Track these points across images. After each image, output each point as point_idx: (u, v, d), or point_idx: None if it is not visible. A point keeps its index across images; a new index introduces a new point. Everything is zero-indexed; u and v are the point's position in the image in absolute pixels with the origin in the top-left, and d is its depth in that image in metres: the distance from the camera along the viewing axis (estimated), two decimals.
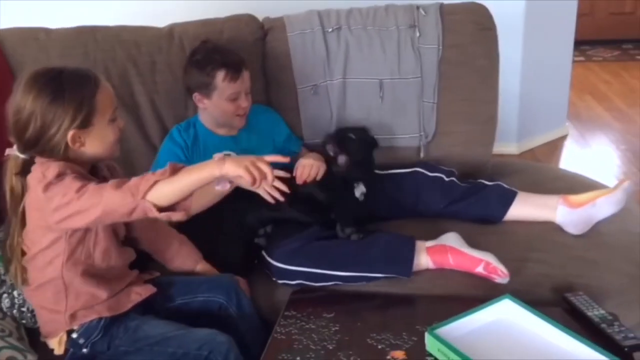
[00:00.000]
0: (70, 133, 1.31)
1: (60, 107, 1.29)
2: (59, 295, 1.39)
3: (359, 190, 1.91)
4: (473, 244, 1.67)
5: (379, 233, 1.69)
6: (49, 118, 1.29)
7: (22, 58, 1.90)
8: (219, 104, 1.86)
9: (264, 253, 1.70)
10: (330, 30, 2.12)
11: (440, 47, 2.09)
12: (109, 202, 1.25)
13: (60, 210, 1.27)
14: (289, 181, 1.62)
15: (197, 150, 1.90)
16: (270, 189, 1.61)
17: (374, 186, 1.93)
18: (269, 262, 1.66)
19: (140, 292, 1.47)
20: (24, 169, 1.35)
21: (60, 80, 1.32)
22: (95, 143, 1.35)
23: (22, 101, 1.30)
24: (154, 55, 2.02)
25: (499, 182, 1.90)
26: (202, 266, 1.66)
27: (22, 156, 1.35)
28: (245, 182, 1.32)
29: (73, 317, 1.40)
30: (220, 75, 1.82)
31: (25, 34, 1.96)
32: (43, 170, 1.30)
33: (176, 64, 2.01)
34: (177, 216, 1.29)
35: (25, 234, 1.39)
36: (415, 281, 1.63)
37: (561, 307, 1.48)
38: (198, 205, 1.56)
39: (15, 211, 1.38)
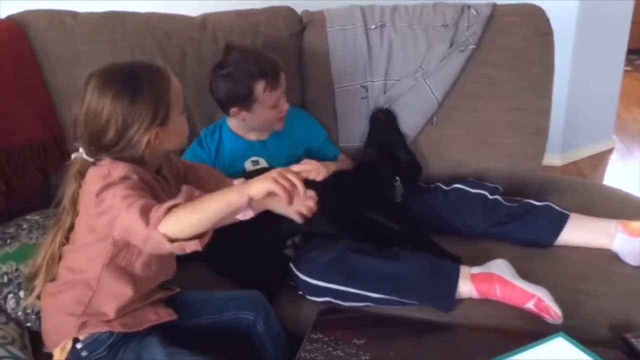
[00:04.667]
0: (154, 131, 1.26)
1: (141, 105, 1.24)
2: (83, 298, 1.30)
3: (398, 191, 1.79)
4: (520, 270, 1.52)
5: (421, 255, 1.54)
6: (130, 118, 1.24)
7: (46, 42, 1.80)
8: (261, 114, 1.73)
9: (291, 265, 1.57)
10: (373, 27, 1.98)
11: (473, 47, 1.93)
12: (127, 222, 1.16)
13: (106, 214, 1.21)
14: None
15: (221, 157, 1.79)
16: (300, 207, 1.50)
17: (414, 196, 1.82)
18: (297, 275, 1.54)
19: (160, 314, 1.36)
20: (86, 172, 1.31)
21: (136, 78, 1.26)
22: (171, 137, 1.31)
23: (99, 104, 1.25)
24: (184, 46, 1.91)
25: (549, 203, 1.74)
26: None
27: (90, 159, 1.30)
28: (278, 202, 1.23)
29: (84, 324, 1.29)
30: (260, 86, 1.69)
31: (51, 17, 1.85)
32: (111, 168, 1.24)
33: (208, 57, 1.89)
34: (191, 246, 1.13)
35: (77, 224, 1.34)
36: (456, 308, 1.48)
37: (620, 350, 1.32)
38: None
39: (69, 212, 1.34)
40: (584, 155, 3.47)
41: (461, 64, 1.93)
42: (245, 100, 1.70)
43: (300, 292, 1.54)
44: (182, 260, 1.53)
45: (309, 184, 1.62)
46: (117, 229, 1.21)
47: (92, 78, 1.28)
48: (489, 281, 1.46)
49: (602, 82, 3.36)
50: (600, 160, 3.49)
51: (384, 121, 1.92)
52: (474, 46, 1.93)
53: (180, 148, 1.41)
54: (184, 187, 1.19)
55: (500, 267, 1.49)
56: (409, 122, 1.97)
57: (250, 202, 1.13)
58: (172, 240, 1.12)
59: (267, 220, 1.60)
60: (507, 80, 1.96)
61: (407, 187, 1.85)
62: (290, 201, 1.13)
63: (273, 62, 1.71)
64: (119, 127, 1.24)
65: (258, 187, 1.13)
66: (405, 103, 1.95)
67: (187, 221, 1.12)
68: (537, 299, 1.39)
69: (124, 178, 1.22)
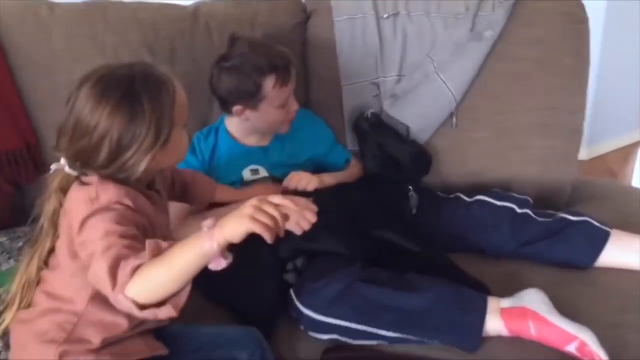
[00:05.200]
0: (152, 154, 1.06)
1: (141, 125, 1.05)
2: (65, 325, 1.12)
3: (413, 201, 1.59)
4: (554, 298, 1.32)
5: (442, 285, 1.33)
6: (127, 139, 1.05)
7: (18, 38, 1.59)
8: (267, 113, 1.54)
9: (292, 293, 1.38)
10: (385, 16, 1.76)
11: (493, 35, 1.71)
12: (96, 273, 0.98)
13: (85, 246, 1.04)
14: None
15: (216, 164, 1.59)
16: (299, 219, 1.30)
17: (430, 208, 1.62)
18: (298, 308, 1.34)
19: (150, 346, 1.19)
20: (68, 187, 1.12)
21: (137, 91, 1.06)
22: (170, 155, 1.13)
23: (92, 117, 1.05)
24: (174, 40, 1.69)
25: (587, 218, 1.53)
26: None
27: (74, 173, 1.11)
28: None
29: (66, 353, 1.11)
30: (269, 82, 1.48)
31: (24, 9, 1.64)
32: (99, 189, 1.06)
33: (200, 52, 1.69)
34: (165, 312, 0.96)
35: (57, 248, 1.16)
36: (482, 348, 1.28)
37: None
38: None
39: (49, 234, 1.15)
40: (612, 147, 3.25)
41: (480, 55, 1.70)
42: (251, 97, 1.50)
43: (302, 327, 1.35)
44: None
45: (306, 195, 1.45)
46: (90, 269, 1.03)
47: (85, 84, 1.07)
48: (521, 317, 1.26)
49: (633, 69, 3.11)
50: (629, 152, 3.26)
51: (369, 130, 1.70)
52: (494, 34, 1.70)
53: (178, 164, 1.24)
54: (148, 242, 0.98)
55: (534, 299, 1.29)
56: (421, 122, 1.75)
57: (224, 249, 0.95)
58: (142, 306, 0.95)
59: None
60: (537, 76, 1.74)
61: (423, 194, 1.65)
62: (274, 240, 0.95)
63: (284, 54, 1.52)
64: (113, 148, 1.05)
65: (233, 230, 0.94)
66: (415, 101, 1.73)
67: (157, 281, 0.94)
68: (580, 342, 1.19)
69: (115, 203, 1.05)
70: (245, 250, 1.38)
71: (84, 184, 1.09)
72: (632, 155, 3.25)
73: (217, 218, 0.97)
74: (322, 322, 1.30)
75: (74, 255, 1.09)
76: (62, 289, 1.14)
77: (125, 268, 0.95)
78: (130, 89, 1.06)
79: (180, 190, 1.40)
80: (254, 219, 0.93)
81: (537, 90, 1.74)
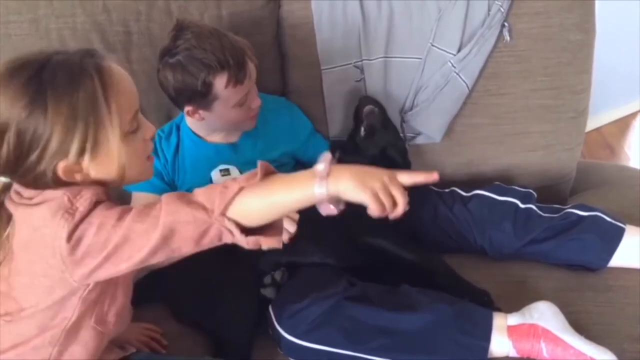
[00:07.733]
0: (62, 165, 0.89)
1: (43, 124, 0.87)
2: None
3: None
4: (564, 307, 1.18)
5: (441, 300, 1.18)
6: (28, 136, 0.87)
7: None
8: (223, 113, 1.35)
9: (271, 312, 1.22)
10: None
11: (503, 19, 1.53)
12: (170, 218, 0.87)
13: (92, 254, 0.89)
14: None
15: (181, 165, 1.43)
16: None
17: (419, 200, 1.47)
18: (278, 331, 1.18)
19: None
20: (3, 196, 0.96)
21: (42, 82, 0.87)
22: (102, 168, 0.92)
23: None
24: (128, 23, 1.49)
25: (598, 212, 1.37)
26: None
27: (2, 179, 0.95)
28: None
29: None
30: (220, 81, 1.29)
31: None
32: (71, 195, 0.90)
33: (159, 35, 1.48)
34: (270, 242, 0.92)
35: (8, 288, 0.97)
36: None
37: None
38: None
39: None
40: (609, 119, 3.10)
41: (493, 40, 1.54)
42: (201, 98, 1.32)
43: (282, 352, 1.20)
44: (135, 303, 1.19)
45: None
46: (128, 259, 0.89)
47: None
48: (532, 336, 1.11)
49: (631, 36, 2.95)
50: (627, 123, 3.12)
51: (380, 129, 1.51)
52: (504, 17, 1.52)
53: (135, 180, 1.01)
54: (260, 163, 0.91)
55: (546, 314, 1.14)
56: (443, 127, 1.59)
57: (335, 198, 0.89)
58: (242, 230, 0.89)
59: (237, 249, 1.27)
60: (539, 53, 1.56)
61: (413, 189, 1.49)
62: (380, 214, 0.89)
63: (238, 48, 1.31)
64: (15, 145, 0.88)
65: (350, 192, 0.88)
66: (439, 109, 1.57)
67: (257, 206, 0.89)
68: None
69: (97, 203, 0.90)
70: (216, 263, 1.23)
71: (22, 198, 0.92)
72: (629, 127, 3.11)
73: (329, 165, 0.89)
74: (304, 347, 1.15)
75: (50, 289, 0.93)
76: (26, 328, 0.97)
77: (226, 190, 0.88)
78: (35, 77, 0.88)
79: None
80: (377, 197, 0.87)
81: (540, 69, 1.57)
